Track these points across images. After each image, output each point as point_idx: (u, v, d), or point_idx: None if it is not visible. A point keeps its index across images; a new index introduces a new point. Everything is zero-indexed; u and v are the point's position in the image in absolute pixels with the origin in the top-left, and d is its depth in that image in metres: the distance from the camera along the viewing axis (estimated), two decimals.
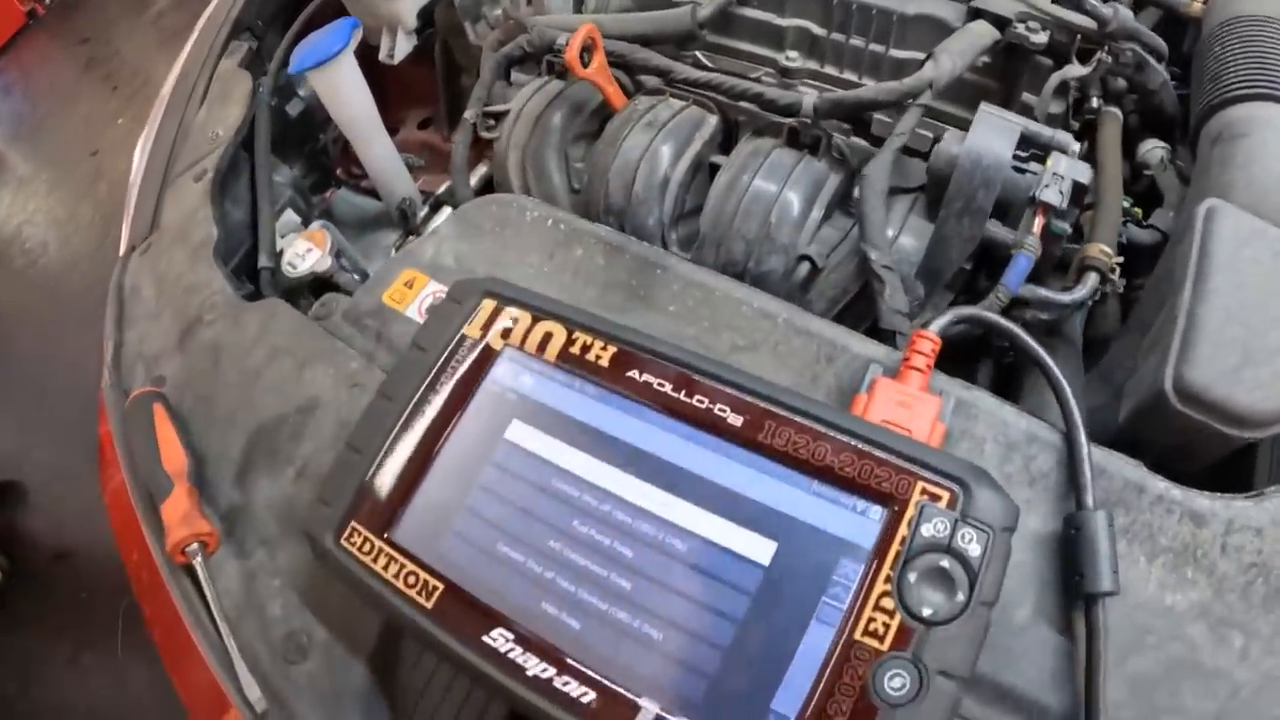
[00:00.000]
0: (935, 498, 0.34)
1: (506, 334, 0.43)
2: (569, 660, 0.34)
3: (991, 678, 0.37)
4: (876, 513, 0.35)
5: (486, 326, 0.43)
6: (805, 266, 0.58)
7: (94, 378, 0.65)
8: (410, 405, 0.42)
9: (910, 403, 0.41)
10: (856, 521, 0.35)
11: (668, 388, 0.39)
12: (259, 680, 0.43)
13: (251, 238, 0.69)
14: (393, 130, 0.81)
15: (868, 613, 0.33)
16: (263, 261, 0.66)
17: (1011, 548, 0.34)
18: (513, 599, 0.36)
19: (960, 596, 0.32)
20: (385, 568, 0.38)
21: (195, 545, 0.48)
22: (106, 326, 0.64)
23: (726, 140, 0.67)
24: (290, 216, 0.73)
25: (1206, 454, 0.44)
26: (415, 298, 0.52)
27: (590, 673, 0.34)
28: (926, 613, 0.32)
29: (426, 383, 0.42)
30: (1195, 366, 0.41)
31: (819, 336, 0.47)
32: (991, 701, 0.37)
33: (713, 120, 0.64)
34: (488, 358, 0.43)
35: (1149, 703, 0.36)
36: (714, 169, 0.63)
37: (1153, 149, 0.68)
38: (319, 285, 0.63)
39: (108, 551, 1.34)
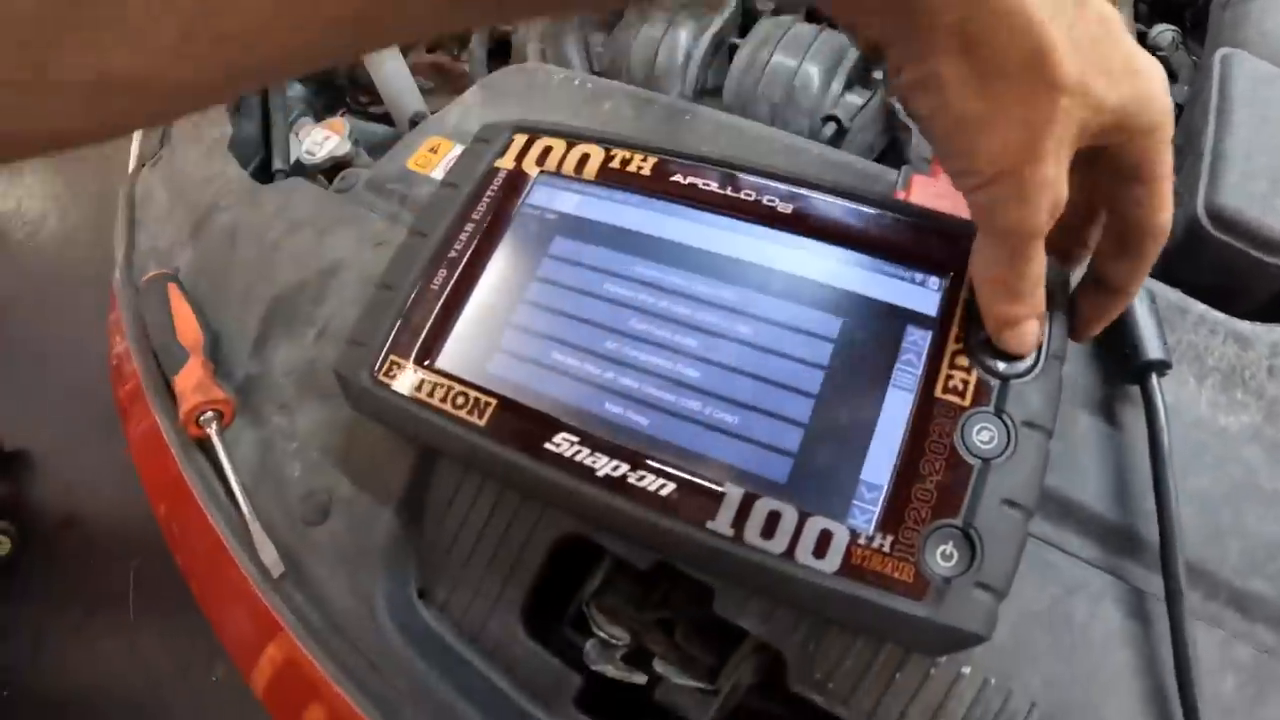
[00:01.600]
0: None
1: (541, 160, 0.39)
2: (641, 455, 0.31)
3: (1058, 493, 0.34)
4: (935, 282, 0.33)
5: (520, 157, 0.40)
6: (831, 127, 0.55)
7: (98, 346, 0.60)
8: (444, 237, 0.38)
9: (948, 195, 0.39)
10: (918, 292, 0.33)
11: (714, 186, 0.36)
12: (276, 546, 0.39)
13: (264, 149, 0.64)
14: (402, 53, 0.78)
15: (944, 372, 0.31)
16: (278, 165, 0.61)
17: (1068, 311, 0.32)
18: (573, 404, 0.33)
19: None
20: (430, 394, 0.35)
21: (210, 414, 0.44)
22: (117, 231, 0.59)
23: (746, 24, 0.64)
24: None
25: (1245, 293, 0.42)
26: (440, 161, 0.48)
27: (666, 465, 0.31)
28: (1001, 368, 0.30)
29: (460, 213, 0.39)
30: (1226, 192, 0.39)
31: (851, 167, 0.44)
32: (1060, 519, 0.35)
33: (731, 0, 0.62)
34: (523, 183, 0.39)
35: (1213, 524, 0.33)
36: (733, 50, 0.61)
37: (1163, 31, 0.66)
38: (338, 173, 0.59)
39: (116, 517, 1.30)
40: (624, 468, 0.31)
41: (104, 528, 1.30)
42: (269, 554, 0.39)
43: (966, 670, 0.32)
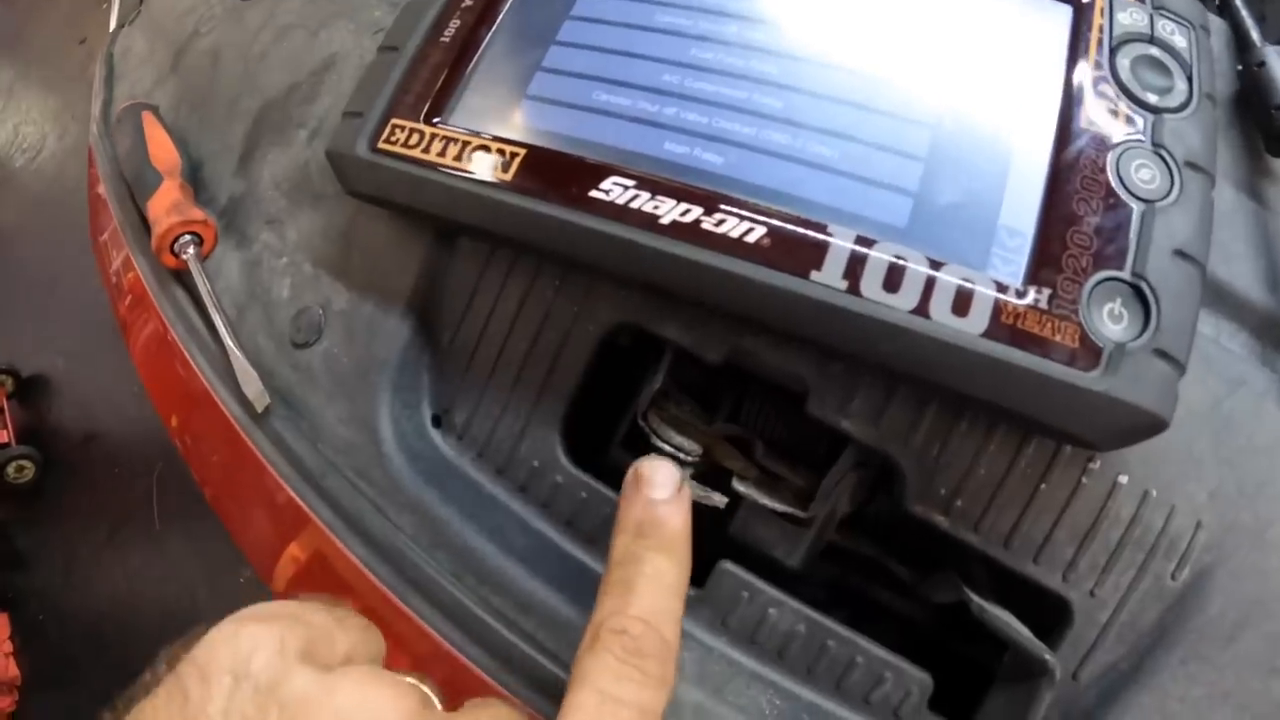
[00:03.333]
0: None
1: None
2: (718, 197, 0.23)
3: (1209, 273, 0.27)
4: (1063, 9, 0.25)
5: None
6: None
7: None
8: None
9: None
10: (1046, 15, 0.25)
11: None
12: (263, 377, 0.32)
13: None
14: None
15: (1087, 99, 0.23)
16: None
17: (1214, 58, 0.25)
18: (625, 147, 0.24)
19: (1181, 85, 0.24)
20: (442, 154, 0.27)
21: (187, 238, 0.36)
22: (95, 92, 0.51)
23: None
24: None
25: None
26: None
27: (751, 208, 0.23)
28: (1151, 99, 0.24)
29: None
30: None
31: None
32: (1212, 306, 0.27)
33: None
34: None
35: None
36: None
37: None
38: None
39: (135, 429, 1.24)
40: (696, 211, 0.22)
41: (124, 441, 1.25)
42: (252, 385, 0.31)
43: (1124, 480, 0.24)
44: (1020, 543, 0.24)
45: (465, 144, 0.26)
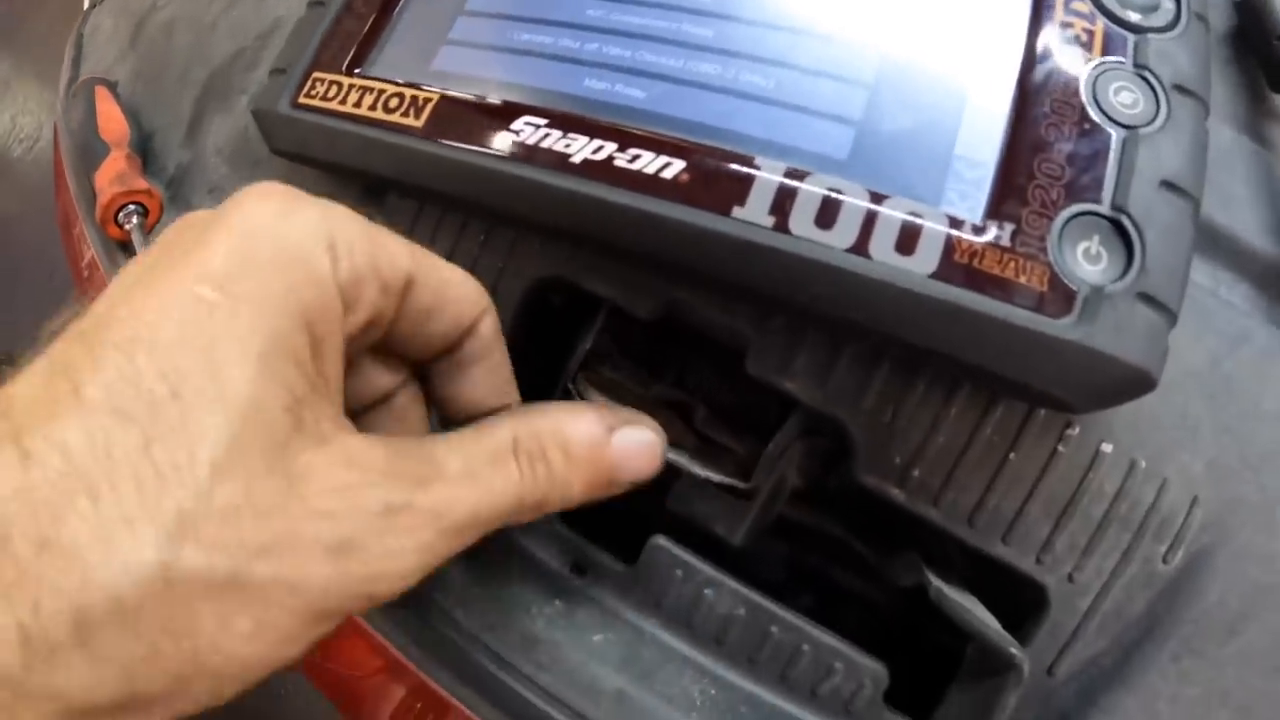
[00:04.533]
0: None
1: None
2: (634, 133, 0.21)
3: (1203, 218, 0.23)
4: None
5: None
6: None
7: None
8: None
9: None
10: None
11: None
12: None
13: None
14: None
15: (1058, 13, 0.20)
16: None
17: None
18: (540, 86, 0.22)
19: (1168, 3, 0.21)
20: (358, 105, 0.24)
21: (131, 208, 0.34)
22: (62, 75, 0.51)
23: None
24: None
25: None
26: None
27: (671, 143, 0.20)
28: (1133, 17, 0.20)
29: None
30: None
31: None
32: (1210, 254, 0.23)
33: None
34: None
35: None
36: None
37: None
38: None
39: None
40: (609, 147, 0.20)
41: None
42: None
43: (1107, 448, 0.21)
44: (987, 520, 0.21)
45: (380, 93, 0.24)
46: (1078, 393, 0.18)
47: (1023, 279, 0.18)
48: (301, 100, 0.26)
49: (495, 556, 0.24)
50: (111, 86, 0.41)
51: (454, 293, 0.18)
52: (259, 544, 0.14)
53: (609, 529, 0.25)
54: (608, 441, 0.19)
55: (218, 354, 0.14)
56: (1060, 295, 0.18)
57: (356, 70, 0.25)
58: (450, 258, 0.26)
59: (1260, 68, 0.25)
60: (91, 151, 0.37)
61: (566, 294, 0.25)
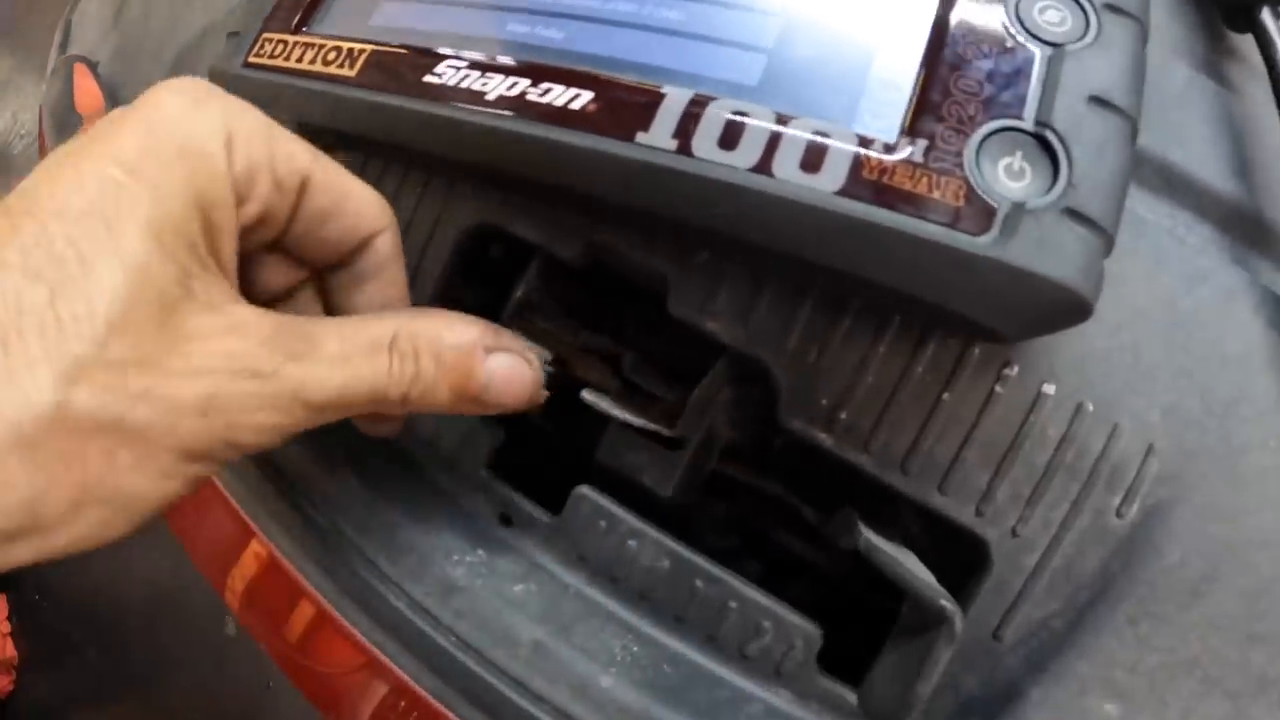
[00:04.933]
0: None
1: None
2: (547, 69, 0.21)
3: (1160, 157, 0.22)
4: None
5: None
6: None
7: None
8: None
9: None
10: None
11: None
12: None
13: None
14: None
15: None
16: None
17: None
18: (465, 32, 0.22)
19: None
20: (300, 59, 0.25)
21: None
22: (50, 60, 0.53)
23: None
24: None
25: None
26: None
27: (581, 77, 0.20)
28: None
29: None
30: None
31: None
32: (1166, 191, 0.22)
33: None
34: None
35: None
36: None
37: None
38: None
39: None
40: (523, 83, 0.20)
41: None
42: None
43: (1050, 389, 0.20)
44: (921, 466, 0.20)
45: (320, 48, 0.25)
46: (1003, 317, 0.18)
47: (936, 194, 0.17)
48: (251, 59, 0.27)
49: (421, 503, 0.24)
50: (92, 65, 0.43)
51: (353, 203, 0.20)
52: (141, 389, 0.16)
53: (543, 483, 0.24)
54: (479, 359, 0.19)
55: (119, 227, 0.16)
56: (978, 210, 0.17)
57: (303, 29, 0.26)
58: (393, 205, 0.26)
59: (1216, 6, 0.24)
60: (66, 125, 0.39)
61: (504, 244, 0.25)
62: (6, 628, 1.05)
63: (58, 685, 1.02)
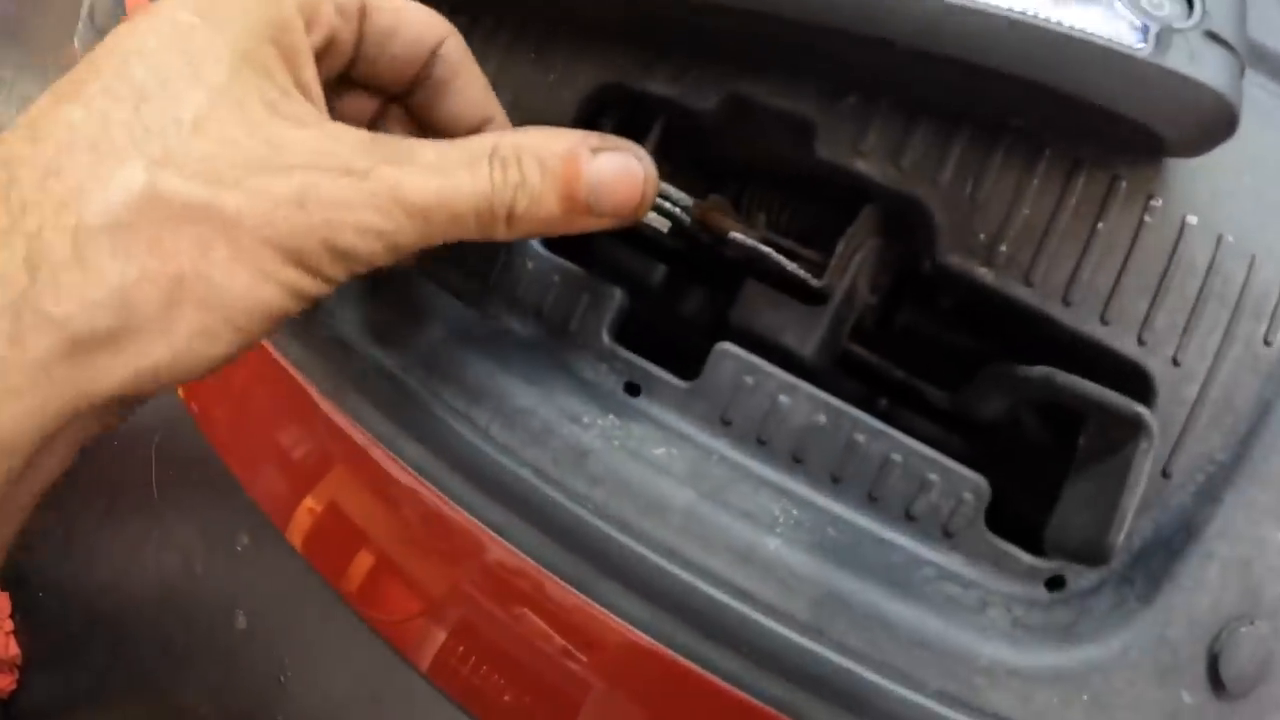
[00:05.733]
0: None
1: None
2: None
3: (1259, 43, 0.24)
4: None
5: None
6: None
7: None
8: None
9: None
10: None
11: None
12: None
13: None
14: None
15: None
16: None
17: None
18: None
19: None
20: None
21: None
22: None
23: None
24: None
25: None
26: None
27: None
28: None
29: None
30: None
31: None
32: (1261, 69, 0.24)
33: None
34: None
35: None
36: None
37: None
38: None
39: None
40: None
41: (135, 417, 1.19)
42: None
43: (1193, 219, 0.21)
44: (1083, 296, 0.21)
45: None
46: (1166, 121, 0.19)
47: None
48: None
49: (538, 372, 0.22)
50: None
51: (410, 16, 0.20)
52: (233, 179, 0.16)
53: (666, 359, 0.23)
54: (587, 158, 0.19)
55: (197, 59, 0.17)
56: (1133, 29, 0.18)
57: None
58: (498, 76, 0.25)
59: None
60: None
61: (620, 111, 0.24)
62: (9, 626, 1.00)
63: (62, 684, 0.97)
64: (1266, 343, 0.21)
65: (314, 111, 0.18)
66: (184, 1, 0.17)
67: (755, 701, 0.18)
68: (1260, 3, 0.25)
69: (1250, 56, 0.24)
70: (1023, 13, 0.18)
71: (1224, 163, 0.21)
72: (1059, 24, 0.18)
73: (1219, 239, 0.21)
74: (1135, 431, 0.19)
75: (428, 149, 0.18)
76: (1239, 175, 0.22)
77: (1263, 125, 0.23)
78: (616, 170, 0.19)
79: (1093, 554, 0.18)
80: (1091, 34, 0.18)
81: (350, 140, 0.17)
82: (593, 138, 0.19)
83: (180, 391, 0.36)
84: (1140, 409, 0.19)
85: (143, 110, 0.16)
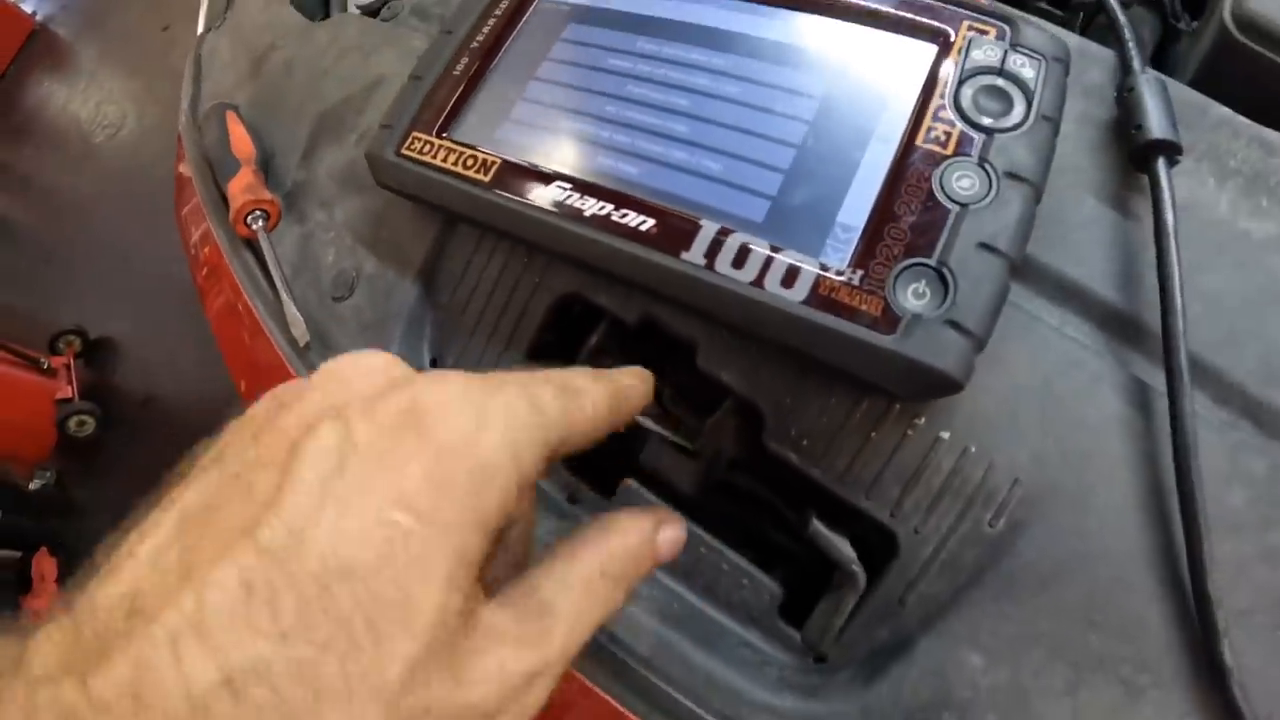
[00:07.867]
0: (982, 32, 0.35)
1: None
2: (626, 197, 0.34)
3: (1055, 270, 0.35)
4: (928, 48, 0.35)
5: None
6: None
7: (176, 239, 0.68)
8: (468, 31, 0.43)
9: None
10: (905, 54, 0.35)
11: None
12: (307, 323, 0.45)
13: (323, 10, 0.71)
14: None
15: (926, 124, 0.33)
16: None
17: (1065, 85, 0.34)
18: (570, 159, 0.36)
19: (1019, 109, 0.33)
20: (444, 159, 0.39)
21: (257, 213, 0.50)
22: (184, 87, 0.68)
23: None
24: None
25: (1276, 106, 0.39)
26: None
27: (648, 206, 0.33)
28: (986, 121, 0.33)
29: (484, 11, 0.43)
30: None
31: None
32: (1058, 298, 0.35)
33: None
34: None
35: (1229, 326, 0.33)
36: None
37: None
38: None
39: (192, 395, 1.46)
40: (608, 207, 0.34)
41: (181, 404, 1.48)
42: (298, 327, 0.44)
43: (945, 435, 0.33)
44: (854, 479, 0.33)
45: (461, 154, 0.38)
46: (899, 386, 0.31)
47: (864, 307, 0.30)
48: (403, 151, 0.41)
49: None
50: (236, 110, 0.57)
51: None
52: None
53: (598, 471, 0.38)
54: (653, 551, 0.25)
55: (409, 579, 0.18)
56: (889, 319, 0.30)
57: (444, 134, 0.40)
58: (502, 271, 0.40)
59: (1125, 148, 0.36)
60: (225, 165, 0.53)
61: (582, 306, 0.38)
62: (54, 589, 1.19)
63: None
64: (990, 525, 0.33)
65: (479, 597, 0.20)
66: (402, 494, 0.18)
67: (608, 698, 0.34)
68: (1079, 234, 0.35)
69: (1052, 288, 0.35)
70: (799, 305, 0.30)
71: (989, 389, 0.32)
72: (825, 317, 0.30)
73: (964, 449, 0.33)
74: (853, 580, 0.32)
75: (558, 596, 0.21)
76: (998, 402, 0.33)
77: (1034, 358, 0.34)
78: (670, 545, 0.25)
79: (816, 650, 0.32)
80: (850, 325, 0.30)
81: (507, 635, 0.20)
82: (647, 521, 0.25)
83: None
84: (855, 566, 0.32)
85: (348, 664, 0.17)
